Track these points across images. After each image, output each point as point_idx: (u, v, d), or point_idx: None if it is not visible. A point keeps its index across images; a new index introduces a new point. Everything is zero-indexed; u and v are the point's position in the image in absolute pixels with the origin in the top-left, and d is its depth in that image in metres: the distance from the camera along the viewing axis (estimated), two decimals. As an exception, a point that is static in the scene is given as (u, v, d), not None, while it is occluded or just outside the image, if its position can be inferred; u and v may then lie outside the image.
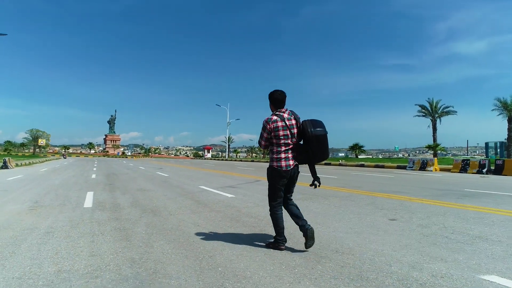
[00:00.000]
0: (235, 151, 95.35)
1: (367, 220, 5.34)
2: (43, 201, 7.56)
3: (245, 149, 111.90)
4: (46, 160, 42.88)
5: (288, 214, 3.70)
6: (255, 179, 13.69)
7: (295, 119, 3.56)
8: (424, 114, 37.91)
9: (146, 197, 8.22)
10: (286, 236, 3.84)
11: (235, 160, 52.41)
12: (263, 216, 5.66)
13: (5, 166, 23.20)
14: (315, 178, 3.61)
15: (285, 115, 3.53)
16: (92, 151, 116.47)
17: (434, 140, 37.39)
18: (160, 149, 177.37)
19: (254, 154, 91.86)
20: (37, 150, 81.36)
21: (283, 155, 3.51)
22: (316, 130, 3.41)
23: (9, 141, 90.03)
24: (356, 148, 49.02)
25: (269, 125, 3.48)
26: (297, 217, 3.60)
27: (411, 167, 21.95)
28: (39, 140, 75.93)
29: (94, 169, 23.04)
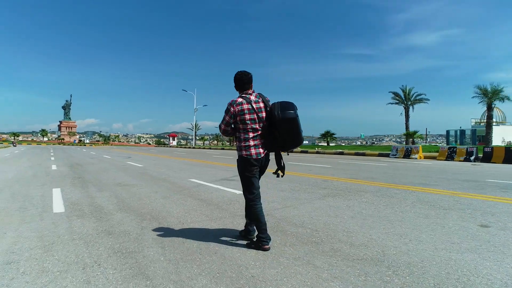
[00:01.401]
0: (202, 138, 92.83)
1: (453, 227, 4.14)
2: (-5, 204, 5.65)
3: (212, 137, 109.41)
4: (-7, 149, 38.55)
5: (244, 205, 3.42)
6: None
7: (263, 101, 3.24)
8: (397, 101, 37.99)
9: (132, 195, 6.58)
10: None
11: (204, 148, 50.45)
12: (312, 223, 4.27)
13: None
14: (279, 167, 3.30)
15: (252, 97, 3.22)
16: (45, 139, 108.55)
17: (407, 127, 37.70)
18: (119, 137, 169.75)
19: (219, 142, 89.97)
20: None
21: (252, 142, 3.19)
22: (285, 113, 3.05)
23: None
24: (328, 135, 48.73)
25: (233, 108, 3.16)
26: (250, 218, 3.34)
27: (395, 155, 21.47)
28: None
29: (52, 158, 20.48)
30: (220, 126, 3.32)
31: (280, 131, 3.11)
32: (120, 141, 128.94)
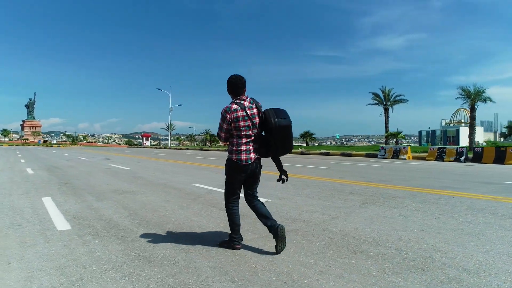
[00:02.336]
0: (177, 138, 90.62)
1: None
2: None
3: (184, 137, 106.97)
4: (-49, 150, 35.42)
5: (254, 213, 3.37)
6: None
7: (256, 107, 3.21)
8: (377, 102, 38.35)
9: (142, 206, 5.73)
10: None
11: (181, 149, 49.01)
12: (387, 240, 3.65)
13: None
14: (282, 172, 3.32)
15: (246, 104, 3.18)
16: (6, 139, 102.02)
17: (387, 128, 38.13)
18: (87, 137, 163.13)
19: (193, 142, 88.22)
20: None
21: (243, 148, 3.17)
22: (280, 120, 3.08)
23: None
24: (307, 135, 48.62)
25: (229, 115, 3.11)
26: (265, 217, 3.26)
27: (383, 155, 21.38)
28: None
29: (22, 160, 18.81)
30: (219, 134, 3.28)
31: (275, 137, 3.11)
32: (88, 142, 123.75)
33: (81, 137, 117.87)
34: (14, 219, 4.78)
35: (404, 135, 40.77)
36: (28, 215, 5.06)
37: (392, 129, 37.95)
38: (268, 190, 7.13)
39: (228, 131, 3.21)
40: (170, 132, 66.87)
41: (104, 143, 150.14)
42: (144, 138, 79.44)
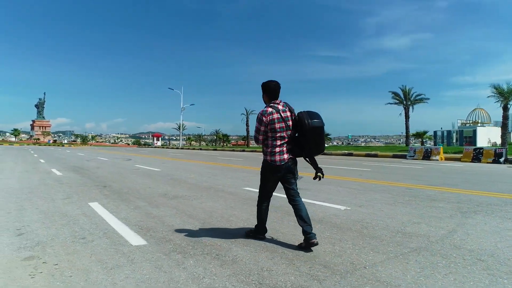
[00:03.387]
0: (188, 138, 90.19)
1: None
2: (36, 234, 4.11)
3: (193, 137, 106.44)
4: (-35, 150, 35.16)
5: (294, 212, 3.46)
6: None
7: (289, 110, 3.40)
8: (397, 101, 37.39)
9: (208, 214, 5.21)
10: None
11: (195, 149, 48.42)
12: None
13: None
14: (318, 169, 3.41)
15: (280, 107, 3.37)
16: (12, 139, 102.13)
17: (407, 128, 37.18)
18: (96, 137, 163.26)
19: (202, 142, 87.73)
20: None
21: (277, 149, 3.35)
22: (314, 122, 3.24)
23: None
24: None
25: (265, 118, 3.32)
26: (304, 221, 3.33)
27: (412, 156, 20.55)
28: None
29: (41, 160, 18.28)
30: (256, 137, 3.43)
31: (309, 138, 3.24)
32: (97, 141, 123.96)
33: (90, 137, 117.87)
34: (73, 230, 4.14)
35: (429, 135, 39.52)
36: (85, 224, 4.41)
37: (396, 131, 37.06)
38: (334, 196, 6.44)
39: (265, 133, 3.36)
40: (181, 132, 66.34)
41: (112, 143, 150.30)
42: (154, 138, 79.09)
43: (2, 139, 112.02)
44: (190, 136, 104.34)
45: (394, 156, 21.87)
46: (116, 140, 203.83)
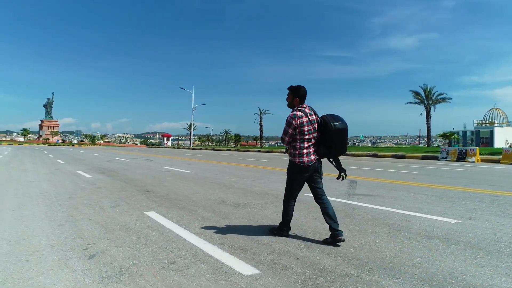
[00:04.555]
0: (199, 139, 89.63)
1: None
2: (111, 256, 3.38)
3: (202, 137, 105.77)
4: (-23, 149, 34.74)
5: (321, 210, 3.66)
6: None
7: (315, 114, 3.58)
8: (418, 101, 36.36)
9: (294, 226, 4.24)
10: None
11: (207, 149, 47.71)
12: None
13: None
14: (341, 170, 3.63)
15: (307, 111, 3.55)
16: (21, 138, 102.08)
17: (428, 128, 36.11)
18: (103, 137, 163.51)
19: (209, 142, 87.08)
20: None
21: (305, 151, 3.53)
22: (338, 124, 3.43)
23: None
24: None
25: (295, 121, 3.49)
26: (331, 218, 3.55)
27: (445, 158, 19.63)
28: None
29: (60, 161, 17.63)
30: (283, 138, 3.62)
31: (333, 139, 3.47)
32: (105, 141, 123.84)
33: (98, 137, 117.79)
34: (152, 251, 3.39)
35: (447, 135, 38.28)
36: (161, 242, 3.67)
37: (402, 131, 36.12)
38: (422, 205, 5.66)
39: (292, 135, 3.54)
40: (191, 132, 65.68)
41: (119, 143, 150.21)
42: (164, 138, 78.57)
43: (11, 139, 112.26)
44: (199, 136, 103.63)
45: (424, 158, 20.95)
46: (123, 140, 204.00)
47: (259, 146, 58.80)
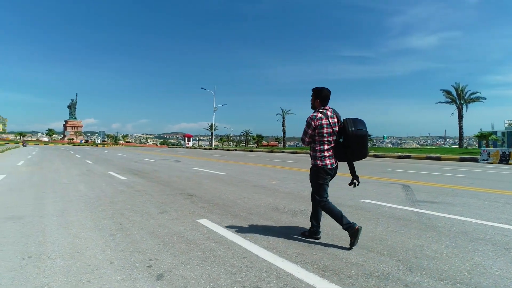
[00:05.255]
0: (221, 139, 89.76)
1: None
2: (182, 278, 2.91)
3: (220, 138, 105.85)
4: (7, 149, 35.54)
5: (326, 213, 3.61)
6: (375, 180, 9.29)
7: (336, 117, 3.56)
8: (450, 100, 34.91)
9: (379, 241, 3.69)
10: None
11: (229, 149, 47.42)
12: None
13: (-37, 158, 16.91)
14: (354, 176, 3.56)
15: (329, 113, 3.53)
16: (45, 138, 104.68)
17: (460, 128, 34.63)
18: (124, 137, 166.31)
19: (229, 143, 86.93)
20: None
21: (327, 153, 3.52)
22: (358, 130, 3.38)
23: (-49, 127, 78.14)
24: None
25: (314, 122, 3.48)
26: (317, 220, 3.71)
27: (486, 160, 18.55)
28: None
29: (89, 161, 17.53)
30: (303, 139, 3.65)
31: (352, 144, 3.42)
32: (127, 141, 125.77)
33: (120, 137, 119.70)
34: (225, 270, 2.95)
35: (450, 137, 36.76)
36: (231, 258, 3.22)
37: (423, 132, 34.61)
38: (463, 208, 4.95)
39: (312, 136, 3.57)
40: (213, 133, 65.61)
41: (140, 143, 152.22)
42: (186, 139, 78.89)
43: (37, 139, 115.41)
44: (220, 136, 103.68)
45: (462, 160, 19.89)
46: (143, 140, 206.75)
47: (280, 146, 58.09)
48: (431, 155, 22.37)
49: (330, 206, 3.61)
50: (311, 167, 3.67)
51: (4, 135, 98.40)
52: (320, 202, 3.63)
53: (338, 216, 3.53)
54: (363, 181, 9.16)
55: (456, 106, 34.94)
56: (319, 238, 3.74)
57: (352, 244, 3.43)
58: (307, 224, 4.14)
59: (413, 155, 23.09)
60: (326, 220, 4.54)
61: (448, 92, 35.07)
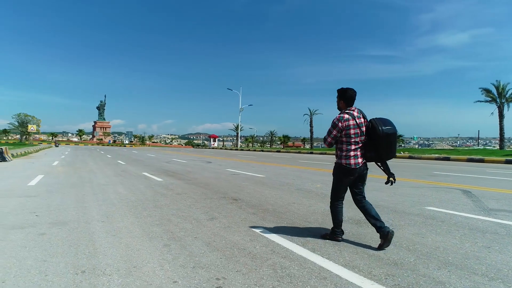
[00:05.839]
0: (246, 140, 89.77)
1: None
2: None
3: (245, 139, 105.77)
4: (41, 149, 36.59)
5: (362, 213, 3.61)
6: (427, 184, 8.57)
7: (363, 117, 3.53)
8: (490, 99, 33.12)
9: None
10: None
11: (256, 150, 47.07)
12: None
13: (1, 158, 17.32)
14: (390, 174, 3.48)
15: (355, 113, 3.51)
16: (75, 139, 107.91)
17: (501, 129, 32.79)
18: (151, 138, 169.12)
19: (252, 144, 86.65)
20: (24, 137, 73.30)
21: (352, 153, 3.49)
22: (387, 129, 3.36)
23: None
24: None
25: (341, 123, 3.46)
26: (374, 218, 3.49)
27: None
28: (29, 126, 67.26)
29: (120, 162, 17.53)
30: (326, 139, 3.61)
31: (381, 144, 3.38)
32: (153, 142, 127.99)
33: (147, 138, 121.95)
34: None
35: (482, 138, 34.63)
36: (307, 278, 2.90)
37: (452, 133, 32.74)
38: None
39: (336, 137, 3.54)
40: (238, 133, 65.47)
41: (165, 144, 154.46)
42: (211, 139, 79.24)
43: (67, 139, 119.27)
44: (245, 137, 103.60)
45: (508, 162, 18.62)
46: (168, 141, 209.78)
47: (306, 147, 57.17)
48: (473, 157, 21.11)
49: (339, 210, 3.69)
50: (334, 166, 3.66)
51: (38, 136, 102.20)
52: (335, 201, 3.70)
53: (338, 222, 3.71)
54: (416, 186, 8.48)
55: (497, 105, 33.07)
56: (340, 238, 3.75)
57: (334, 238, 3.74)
58: (375, 236, 3.62)
59: (452, 156, 21.89)
60: (400, 232, 3.99)
61: (487, 91, 33.23)
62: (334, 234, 3.73)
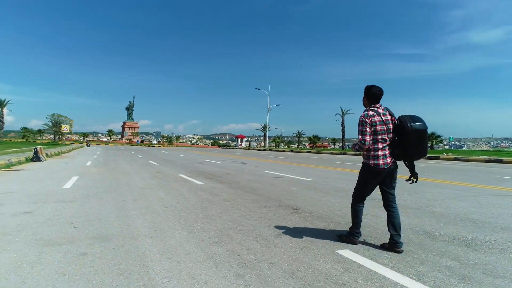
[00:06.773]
0: (274, 140, 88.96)
1: None
2: None
3: (271, 140, 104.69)
4: (73, 149, 37.15)
5: (387, 217, 3.48)
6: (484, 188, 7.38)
7: (389, 114, 3.42)
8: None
9: None
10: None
11: (285, 151, 46.10)
12: None
13: (36, 157, 17.22)
14: (414, 174, 3.37)
15: (380, 110, 3.40)
16: (105, 139, 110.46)
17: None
18: (178, 138, 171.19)
19: (278, 144, 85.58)
20: (57, 137, 75.54)
21: (380, 152, 3.35)
22: (416, 125, 3.21)
23: (25, 128, 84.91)
24: (433, 138, 41.92)
25: (368, 120, 3.33)
26: (394, 228, 3.38)
27: None
28: (62, 126, 69.25)
29: (153, 162, 17.08)
30: (364, 139, 3.32)
31: (411, 141, 3.23)
32: (180, 142, 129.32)
33: (175, 138, 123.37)
34: None
35: (496, 137, 31.78)
36: None
37: (485, 133, 30.08)
38: None
39: (371, 134, 3.31)
40: (266, 133, 64.62)
41: (191, 144, 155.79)
42: (238, 140, 78.79)
43: (97, 139, 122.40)
44: (273, 138, 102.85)
45: None
46: (193, 141, 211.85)
47: (336, 147, 55.60)
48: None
49: (359, 210, 3.58)
50: (362, 166, 3.49)
51: (70, 136, 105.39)
52: (357, 201, 3.58)
53: (358, 222, 3.57)
54: (496, 193, 7.32)
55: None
56: (357, 239, 3.59)
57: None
58: (500, 265, 2.60)
59: (505, 159, 20.12)
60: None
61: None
62: (353, 235, 3.58)
